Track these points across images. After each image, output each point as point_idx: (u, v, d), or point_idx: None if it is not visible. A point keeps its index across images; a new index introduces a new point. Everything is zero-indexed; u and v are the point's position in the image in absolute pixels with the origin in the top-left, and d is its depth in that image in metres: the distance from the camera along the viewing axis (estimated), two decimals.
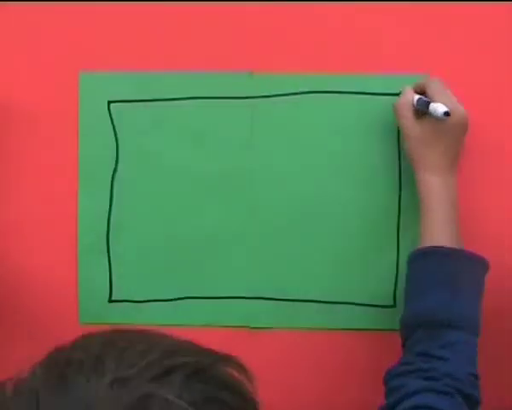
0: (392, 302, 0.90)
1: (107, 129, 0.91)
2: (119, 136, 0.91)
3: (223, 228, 0.91)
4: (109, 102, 0.91)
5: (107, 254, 0.92)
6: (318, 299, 0.91)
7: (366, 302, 0.91)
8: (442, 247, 0.79)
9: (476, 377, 0.76)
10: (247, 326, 0.91)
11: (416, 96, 0.84)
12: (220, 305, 0.91)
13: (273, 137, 0.90)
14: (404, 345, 0.80)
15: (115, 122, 0.91)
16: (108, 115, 0.91)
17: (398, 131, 0.89)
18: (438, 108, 0.79)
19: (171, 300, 0.92)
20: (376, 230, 0.90)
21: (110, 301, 0.92)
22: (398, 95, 0.89)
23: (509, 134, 0.89)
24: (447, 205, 0.81)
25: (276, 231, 0.91)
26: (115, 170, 0.91)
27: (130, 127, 0.91)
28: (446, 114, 0.79)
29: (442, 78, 0.88)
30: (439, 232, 0.80)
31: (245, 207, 0.91)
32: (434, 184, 0.82)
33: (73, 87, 0.91)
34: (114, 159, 0.91)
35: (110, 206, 0.91)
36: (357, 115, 0.89)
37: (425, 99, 0.83)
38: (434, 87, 0.83)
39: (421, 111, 0.83)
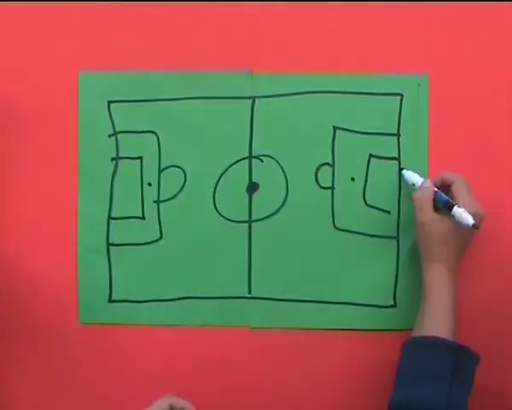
0: (392, 302, 0.90)
1: (107, 129, 0.91)
2: (119, 136, 0.91)
3: (222, 228, 0.91)
4: (109, 102, 0.91)
5: (107, 254, 0.92)
6: (318, 299, 0.91)
7: (366, 302, 0.91)
8: (445, 340, 0.80)
9: None
10: (247, 326, 0.91)
11: (436, 192, 0.84)
12: (220, 305, 0.91)
13: (273, 136, 0.90)
14: None
15: (115, 122, 0.91)
16: (108, 115, 0.91)
17: (399, 131, 0.89)
18: (466, 218, 0.81)
19: (171, 300, 0.92)
20: (376, 230, 0.90)
21: (110, 301, 0.92)
22: (398, 95, 0.89)
23: (508, 134, 0.89)
24: (452, 296, 0.83)
25: (276, 230, 0.91)
26: (115, 170, 0.91)
27: (130, 127, 0.91)
28: (474, 226, 0.80)
29: (442, 78, 0.89)
30: (442, 323, 0.82)
31: (244, 206, 0.91)
32: (442, 277, 0.83)
33: (73, 87, 0.91)
34: (114, 159, 0.91)
35: (110, 206, 0.91)
36: (357, 115, 0.89)
37: (447, 199, 0.83)
38: (460, 187, 0.84)
39: (442, 208, 0.84)
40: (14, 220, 0.92)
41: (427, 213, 0.84)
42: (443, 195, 0.84)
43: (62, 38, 0.90)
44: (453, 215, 0.82)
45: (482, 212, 0.83)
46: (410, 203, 0.89)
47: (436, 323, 0.82)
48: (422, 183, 0.86)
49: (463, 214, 0.81)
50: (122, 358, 0.92)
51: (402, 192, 0.90)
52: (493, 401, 0.89)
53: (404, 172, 0.88)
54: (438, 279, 0.83)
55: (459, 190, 0.84)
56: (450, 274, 0.83)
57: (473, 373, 0.80)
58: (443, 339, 0.80)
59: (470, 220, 0.81)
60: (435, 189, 0.85)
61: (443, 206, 0.84)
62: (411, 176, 0.87)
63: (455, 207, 0.82)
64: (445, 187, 0.85)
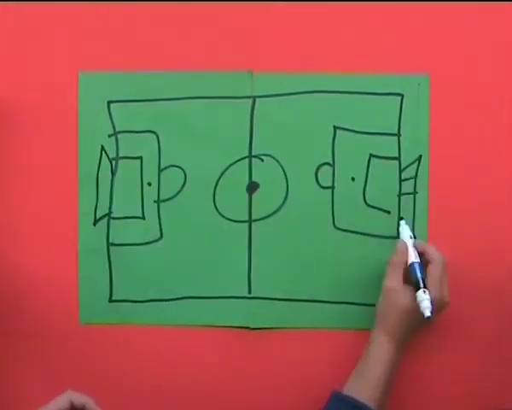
0: None
1: (107, 129, 0.91)
2: (119, 136, 0.91)
3: (222, 227, 0.91)
4: (109, 102, 0.91)
5: (107, 254, 0.92)
6: (318, 299, 0.91)
7: (366, 302, 0.91)
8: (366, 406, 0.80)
9: None
10: (247, 326, 0.91)
11: (413, 264, 0.83)
12: (220, 305, 0.91)
13: (273, 136, 0.90)
14: None
15: (115, 122, 0.91)
16: (108, 115, 0.91)
17: (399, 131, 0.89)
18: (424, 308, 0.79)
19: (171, 300, 0.92)
20: (376, 230, 0.90)
21: (110, 301, 0.92)
22: (398, 95, 0.89)
23: (508, 133, 0.89)
24: (390, 370, 0.83)
25: (276, 230, 0.91)
26: (115, 170, 0.91)
27: (130, 127, 0.91)
28: (428, 318, 0.79)
29: (442, 78, 0.89)
30: (371, 389, 0.82)
31: (244, 206, 0.91)
32: (387, 350, 0.83)
33: (73, 87, 0.91)
34: (114, 159, 0.91)
35: (110, 206, 0.91)
36: (357, 115, 0.89)
37: (417, 278, 0.82)
38: (435, 269, 0.82)
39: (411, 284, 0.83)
40: (14, 220, 0.92)
41: (394, 281, 0.83)
42: (417, 271, 0.82)
43: (62, 38, 0.90)
44: (416, 296, 0.81)
45: (447, 300, 0.82)
46: (411, 203, 0.89)
47: (369, 392, 0.81)
48: (398, 246, 0.85)
49: (423, 302, 0.79)
50: (122, 358, 0.92)
51: (402, 191, 0.90)
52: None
53: (401, 224, 0.88)
54: (382, 351, 0.83)
55: (433, 272, 0.82)
56: (396, 348, 0.83)
57: None
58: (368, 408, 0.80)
59: (426, 312, 0.79)
60: (415, 260, 0.83)
61: (412, 282, 0.82)
62: (404, 230, 0.87)
63: (419, 292, 0.80)
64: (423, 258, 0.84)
